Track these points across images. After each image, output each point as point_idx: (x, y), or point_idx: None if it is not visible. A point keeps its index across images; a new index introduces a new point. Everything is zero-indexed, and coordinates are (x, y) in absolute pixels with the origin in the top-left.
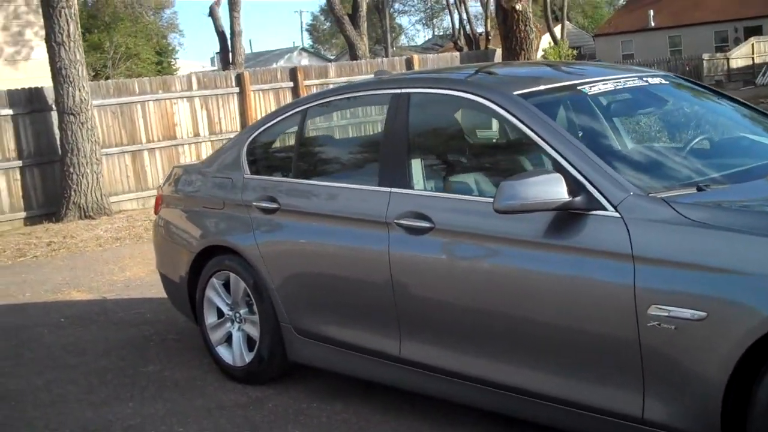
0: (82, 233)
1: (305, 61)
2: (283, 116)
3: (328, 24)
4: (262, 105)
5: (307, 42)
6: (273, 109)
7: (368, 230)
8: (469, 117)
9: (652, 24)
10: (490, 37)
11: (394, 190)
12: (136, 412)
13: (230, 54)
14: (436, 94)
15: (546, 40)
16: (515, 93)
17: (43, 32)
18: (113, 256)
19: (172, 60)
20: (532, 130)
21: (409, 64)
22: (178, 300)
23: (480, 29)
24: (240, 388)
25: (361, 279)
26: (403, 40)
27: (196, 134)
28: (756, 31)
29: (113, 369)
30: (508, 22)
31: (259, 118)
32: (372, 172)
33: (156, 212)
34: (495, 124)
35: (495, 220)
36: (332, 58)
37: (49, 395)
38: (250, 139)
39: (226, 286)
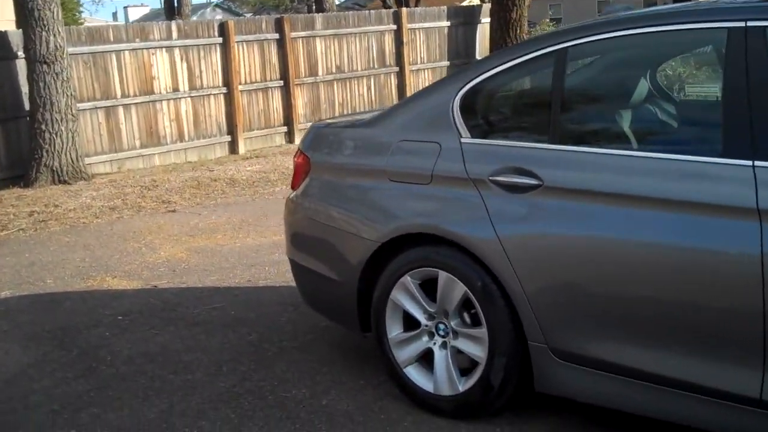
0: (65, 201)
1: (219, 16)
2: (523, 57)
3: None
4: (246, 58)
5: None
6: (258, 62)
7: (715, 219)
8: None
9: None
10: None
11: (761, 163)
12: None
13: (176, 5)
14: None
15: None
16: None
17: None
18: (127, 231)
19: (77, 14)
20: None
21: (397, 16)
22: (330, 302)
23: None
24: (449, 425)
25: (698, 288)
26: None
27: (176, 89)
28: None
29: (244, 393)
30: None
31: (243, 72)
32: (701, 138)
33: (294, 186)
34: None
35: None
36: (247, 13)
37: None
38: (466, 88)
39: (425, 287)
